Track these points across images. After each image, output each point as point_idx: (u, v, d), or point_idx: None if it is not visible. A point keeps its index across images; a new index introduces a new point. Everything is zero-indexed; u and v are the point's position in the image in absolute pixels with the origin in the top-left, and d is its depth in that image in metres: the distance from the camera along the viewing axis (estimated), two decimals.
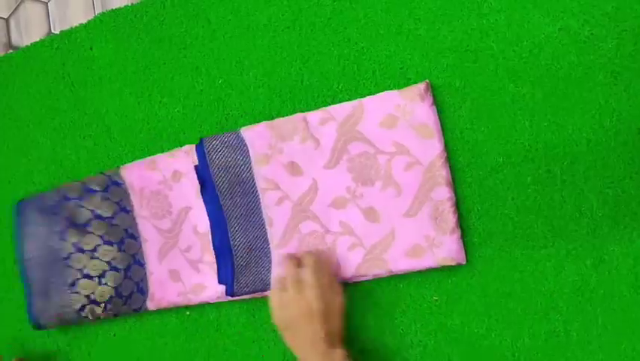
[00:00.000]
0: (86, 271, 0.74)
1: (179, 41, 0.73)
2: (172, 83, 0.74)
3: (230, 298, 0.67)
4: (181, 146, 0.72)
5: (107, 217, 0.74)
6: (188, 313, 0.72)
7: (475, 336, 0.60)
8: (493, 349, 0.59)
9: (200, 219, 0.70)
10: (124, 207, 0.74)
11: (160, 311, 0.73)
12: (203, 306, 0.71)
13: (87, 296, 0.73)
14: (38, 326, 0.76)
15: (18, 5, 0.90)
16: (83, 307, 0.73)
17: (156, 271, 0.72)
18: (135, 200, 0.73)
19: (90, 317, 0.74)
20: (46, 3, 0.87)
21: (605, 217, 0.56)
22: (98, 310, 0.73)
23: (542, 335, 0.57)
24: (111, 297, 0.73)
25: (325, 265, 0.61)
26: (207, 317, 0.71)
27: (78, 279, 0.74)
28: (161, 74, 0.74)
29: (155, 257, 0.72)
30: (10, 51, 0.87)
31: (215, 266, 0.68)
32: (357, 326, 0.64)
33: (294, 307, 0.56)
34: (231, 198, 0.67)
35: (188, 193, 0.70)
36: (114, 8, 0.77)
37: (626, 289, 0.55)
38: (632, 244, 0.55)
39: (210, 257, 0.69)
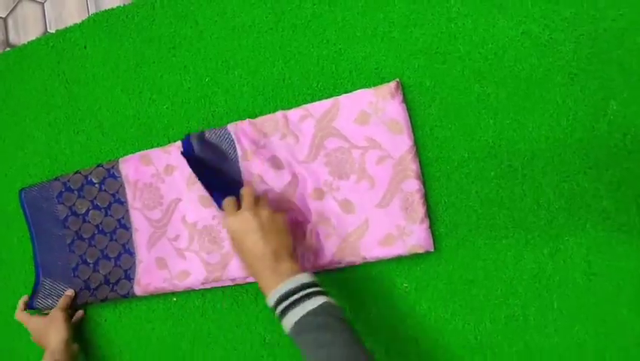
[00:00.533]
0: (84, 258, 0.78)
1: (169, 41, 0.77)
2: (161, 80, 0.77)
3: (214, 284, 0.71)
4: (169, 141, 0.76)
5: (103, 208, 0.78)
6: (174, 299, 0.76)
7: (441, 321, 0.63)
8: (457, 333, 0.63)
9: (189, 210, 0.73)
10: (118, 199, 0.77)
11: (148, 298, 0.77)
12: (188, 293, 0.75)
13: (85, 281, 0.78)
14: (32, 306, 0.80)
15: (15, 5, 0.93)
16: (79, 292, 0.78)
17: (145, 259, 0.76)
18: (129, 192, 0.77)
19: (78, 302, 0.78)
20: (43, 3, 0.91)
21: (561, 209, 0.59)
22: (87, 294, 0.77)
23: (502, 319, 0.61)
24: (100, 283, 0.77)
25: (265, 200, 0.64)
26: (193, 303, 0.75)
27: (79, 264, 0.79)
28: (151, 72, 0.78)
29: (145, 246, 0.76)
30: (8, 49, 0.91)
31: (201, 254, 0.72)
32: None
33: (248, 226, 0.59)
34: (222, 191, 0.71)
35: (180, 185, 0.74)
36: (107, 9, 0.81)
37: (580, 276, 0.59)
38: (585, 234, 0.59)
39: (197, 245, 0.72)
